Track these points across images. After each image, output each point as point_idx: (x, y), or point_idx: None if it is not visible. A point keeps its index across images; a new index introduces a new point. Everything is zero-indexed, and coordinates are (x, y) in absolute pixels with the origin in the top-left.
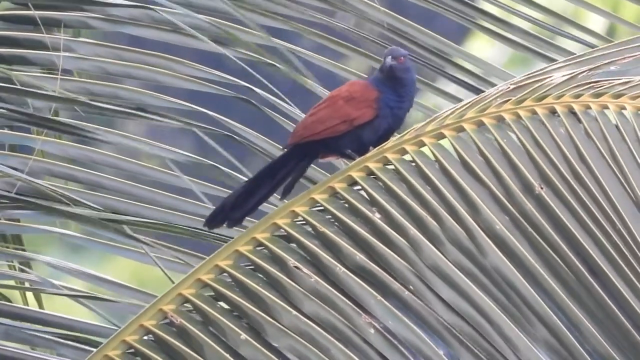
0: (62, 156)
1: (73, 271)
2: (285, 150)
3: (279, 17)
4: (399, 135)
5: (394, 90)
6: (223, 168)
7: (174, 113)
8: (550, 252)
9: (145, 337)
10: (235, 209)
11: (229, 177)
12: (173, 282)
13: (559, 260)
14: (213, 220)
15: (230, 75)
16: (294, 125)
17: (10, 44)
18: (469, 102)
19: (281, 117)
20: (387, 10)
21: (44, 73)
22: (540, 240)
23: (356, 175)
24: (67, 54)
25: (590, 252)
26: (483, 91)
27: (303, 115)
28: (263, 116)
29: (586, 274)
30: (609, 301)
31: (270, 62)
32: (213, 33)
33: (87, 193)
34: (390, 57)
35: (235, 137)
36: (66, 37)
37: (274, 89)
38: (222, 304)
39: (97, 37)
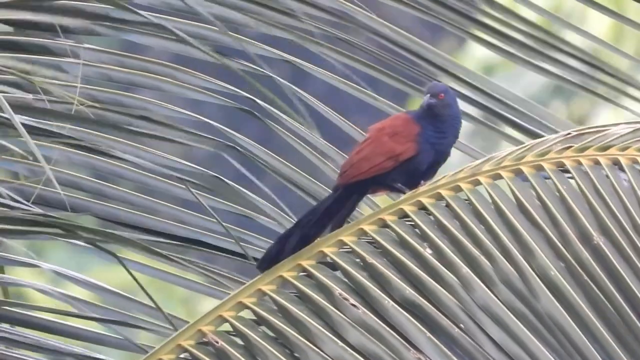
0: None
1: (75, 279)
2: (335, 191)
3: (287, 28)
4: (452, 173)
5: (434, 126)
6: (226, 180)
7: (180, 123)
8: (606, 302)
9: (182, 356)
10: (287, 251)
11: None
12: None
13: (614, 312)
14: (265, 263)
15: (237, 87)
16: (298, 141)
17: (17, 49)
18: (527, 146)
19: (285, 131)
20: (381, 20)
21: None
22: (596, 290)
23: (408, 209)
24: (71, 60)
25: None
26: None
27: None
28: (276, 135)
29: None
30: None
31: (270, 74)
32: (218, 43)
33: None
34: (428, 95)
35: (239, 149)
36: (72, 43)
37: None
38: (263, 328)
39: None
